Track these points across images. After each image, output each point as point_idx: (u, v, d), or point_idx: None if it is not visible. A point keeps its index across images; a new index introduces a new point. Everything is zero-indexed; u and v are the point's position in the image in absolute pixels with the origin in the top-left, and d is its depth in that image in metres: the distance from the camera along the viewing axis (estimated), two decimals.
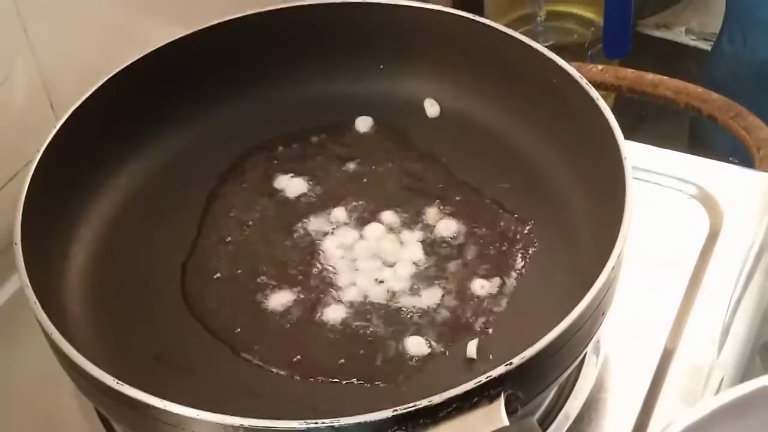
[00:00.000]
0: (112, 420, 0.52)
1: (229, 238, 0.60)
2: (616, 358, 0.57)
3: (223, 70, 0.66)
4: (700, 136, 1.00)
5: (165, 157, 0.65)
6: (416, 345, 0.53)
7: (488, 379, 0.43)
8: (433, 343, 0.53)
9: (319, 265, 0.58)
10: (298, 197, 0.62)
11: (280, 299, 0.56)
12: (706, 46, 1.09)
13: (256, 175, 0.64)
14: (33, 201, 0.54)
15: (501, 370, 0.43)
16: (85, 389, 0.49)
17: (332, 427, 0.42)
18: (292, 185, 0.63)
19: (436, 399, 0.43)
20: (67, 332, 0.48)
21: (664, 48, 1.09)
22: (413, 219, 0.60)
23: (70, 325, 0.53)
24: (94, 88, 0.61)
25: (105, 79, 0.61)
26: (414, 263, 0.57)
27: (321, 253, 0.59)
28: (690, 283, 0.60)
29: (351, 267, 0.57)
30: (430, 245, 0.58)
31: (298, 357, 0.53)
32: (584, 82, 0.58)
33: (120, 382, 0.45)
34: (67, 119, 0.59)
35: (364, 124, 0.67)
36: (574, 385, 0.56)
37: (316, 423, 0.42)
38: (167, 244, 0.60)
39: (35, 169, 0.55)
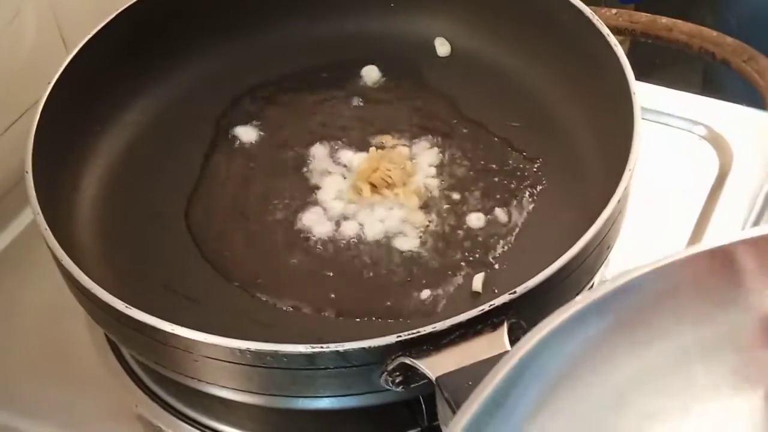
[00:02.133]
0: (123, 346, 0.53)
1: (235, 171, 0.60)
2: None
3: (234, 5, 0.66)
4: (714, 82, 0.99)
5: (174, 92, 0.65)
6: (422, 280, 0.54)
7: (491, 307, 0.44)
8: (441, 278, 0.54)
9: (327, 198, 0.58)
10: (307, 131, 0.62)
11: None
12: None
13: (263, 110, 0.64)
14: (44, 133, 0.55)
15: (505, 298, 0.44)
16: (95, 315, 0.50)
17: (337, 351, 0.43)
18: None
19: (440, 326, 0.43)
20: (77, 261, 0.49)
21: None
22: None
23: (80, 256, 0.54)
24: (104, 23, 0.61)
25: (116, 13, 0.61)
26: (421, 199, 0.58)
27: (329, 185, 0.59)
28: (698, 222, 0.60)
29: (361, 202, 0.58)
30: (439, 181, 0.58)
31: (305, 292, 0.54)
32: (595, 19, 0.57)
33: (130, 306, 0.45)
34: (78, 53, 0.59)
35: (371, 70, 0.66)
36: None
37: (321, 347, 0.43)
38: (175, 177, 0.60)
39: (46, 101, 0.56)
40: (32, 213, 0.58)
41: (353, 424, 0.53)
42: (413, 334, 0.43)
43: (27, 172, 0.52)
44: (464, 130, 0.61)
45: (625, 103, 0.53)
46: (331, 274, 0.55)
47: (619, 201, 0.48)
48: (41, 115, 0.55)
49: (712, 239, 0.34)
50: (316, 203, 0.58)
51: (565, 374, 0.32)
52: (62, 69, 0.57)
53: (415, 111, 0.63)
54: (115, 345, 0.56)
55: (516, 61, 0.64)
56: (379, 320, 0.52)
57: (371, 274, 0.54)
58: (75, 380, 0.55)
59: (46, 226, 0.49)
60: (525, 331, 0.44)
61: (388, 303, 0.53)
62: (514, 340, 0.43)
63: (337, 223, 0.57)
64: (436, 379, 0.41)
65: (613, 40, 0.55)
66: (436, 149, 0.60)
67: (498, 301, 0.44)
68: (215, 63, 0.66)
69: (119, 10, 0.61)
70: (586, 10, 0.58)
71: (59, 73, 0.57)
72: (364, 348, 0.43)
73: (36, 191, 0.51)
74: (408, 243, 0.56)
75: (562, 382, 0.32)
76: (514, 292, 0.44)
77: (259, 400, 0.48)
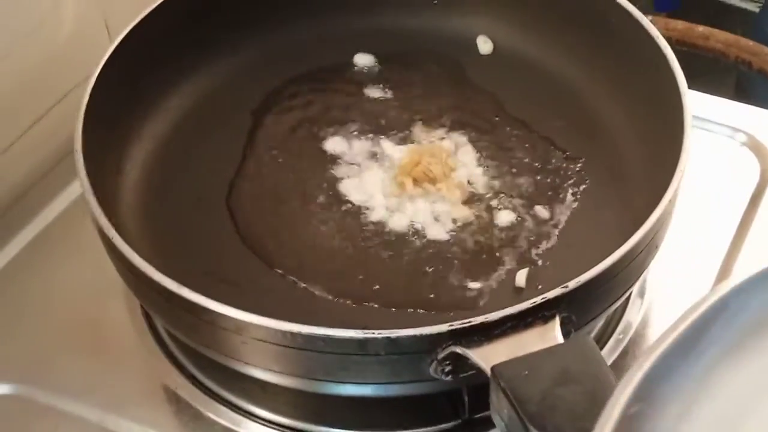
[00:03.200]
0: (169, 326, 0.53)
1: (275, 160, 0.60)
2: (661, 303, 0.57)
3: None
4: (746, 91, 0.99)
5: (215, 80, 0.65)
6: (464, 274, 0.54)
7: (544, 300, 0.44)
8: (483, 273, 0.54)
9: (369, 190, 0.58)
10: (349, 122, 0.62)
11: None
12: (754, 7, 1.08)
13: (303, 99, 0.64)
14: (91, 114, 0.55)
15: (557, 292, 0.44)
16: (143, 295, 0.50)
17: (389, 338, 0.43)
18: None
19: (492, 316, 0.43)
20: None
21: (711, 6, 1.08)
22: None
23: (125, 237, 0.54)
24: (148, 10, 0.61)
25: (160, 1, 0.61)
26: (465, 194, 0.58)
27: (370, 177, 0.59)
28: (738, 229, 0.60)
29: (404, 195, 0.58)
30: (481, 177, 0.59)
31: (348, 281, 0.54)
32: (645, 22, 0.57)
33: (182, 285, 0.45)
34: (124, 38, 0.59)
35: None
36: (616, 327, 0.56)
37: (373, 333, 0.43)
38: (215, 163, 0.60)
39: (93, 85, 0.56)
40: (75, 193, 0.58)
41: (392, 415, 0.53)
42: (465, 323, 0.43)
43: (77, 151, 0.52)
44: (507, 128, 0.61)
45: (675, 107, 0.53)
46: (374, 265, 0.55)
47: (669, 201, 0.48)
48: (89, 97, 0.55)
49: None
50: (357, 195, 0.58)
51: (754, 330, 0.31)
52: (108, 54, 0.57)
53: (458, 107, 0.63)
54: (153, 326, 0.57)
55: (559, 61, 0.64)
56: (423, 312, 0.52)
57: (414, 266, 0.55)
58: (112, 360, 0.56)
59: (97, 204, 0.49)
60: (576, 326, 0.45)
61: (432, 295, 0.53)
62: (565, 333, 0.43)
63: (379, 215, 0.57)
64: (492, 368, 0.41)
65: (664, 43, 0.55)
66: (479, 144, 0.60)
67: (550, 294, 0.44)
68: (256, 51, 0.66)
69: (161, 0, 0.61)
70: (636, 12, 0.58)
71: (105, 58, 0.57)
72: (415, 335, 0.43)
73: (86, 169, 0.51)
74: (450, 237, 0.56)
75: (747, 340, 0.31)
76: (566, 286, 0.44)
77: (304, 385, 0.48)
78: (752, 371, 0.31)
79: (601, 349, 0.55)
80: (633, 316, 0.57)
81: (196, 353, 0.52)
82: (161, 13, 0.61)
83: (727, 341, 0.31)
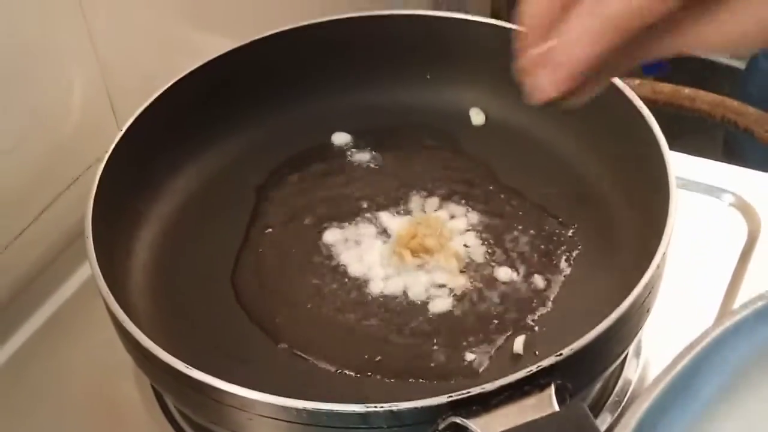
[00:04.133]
0: (178, 404, 0.55)
1: (277, 238, 0.62)
2: (657, 360, 0.59)
3: (273, 79, 0.69)
4: (734, 150, 1.01)
5: (219, 161, 0.68)
6: (463, 342, 0.55)
7: (539, 368, 0.45)
8: (481, 340, 0.55)
9: (369, 262, 0.60)
10: (348, 197, 0.65)
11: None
12: (740, 64, 1.11)
13: (306, 175, 0.67)
14: (100, 199, 0.57)
15: (551, 360, 0.45)
16: (153, 375, 0.52)
17: (391, 411, 0.44)
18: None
19: (489, 386, 0.45)
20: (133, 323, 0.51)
21: (699, 65, 1.11)
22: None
23: (135, 318, 0.56)
24: (154, 96, 0.63)
25: (165, 87, 0.64)
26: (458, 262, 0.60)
27: (370, 250, 0.61)
28: (728, 289, 0.62)
29: (403, 266, 0.60)
30: (477, 246, 0.61)
31: (350, 353, 0.55)
32: (626, 90, 0.60)
33: (189, 366, 0.47)
34: (131, 125, 0.61)
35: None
36: (614, 387, 0.58)
37: (375, 407, 0.44)
38: (220, 243, 0.62)
39: (102, 172, 0.58)
40: (84, 276, 0.60)
41: None
42: (464, 394, 0.44)
43: (87, 237, 0.54)
44: (501, 196, 0.64)
45: (659, 170, 0.55)
46: (375, 335, 0.56)
47: (658, 266, 0.50)
48: (98, 183, 0.57)
49: None
50: (358, 268, 0.60)
51: (745, 371, 0.33)
52: (117, 140, 0.60)
53: (453, 178, 0.65)
54: (164, 403, 0.58)
55: (548, 130, 0.66)
56: (424, 381, 0.54)
57: (414, 336, 0.56)
58: None
59: (108, 290, 0.51)
60: (571, 393, 0.46)
61: (432, 364, 0.54)
62: (560, 401, 0.45)
63: (379, 287, 0.59)
64: None
65: (645, 111, 0.58)
66: (475, 214, 0.63)
67: (545, 363, 0.45)
68: (259, 132, 0.69)
69: (167, 86, 0.64)
70: (618, 81, 0.60)
71: (114, 144, 0.60)
72: (416, 408, 0.44)
73: (96, 254, 0.53)
74: (449, 306, 0.57)
75: (740, 380, 0.33)
76: (560, 354, 0.46)
77: None
78: (747, 411, 0.32)
79: (601, 409, 0.57)
80: (630, 374, 0.58)
81: (204, 429, 0.54)
82: (167, 99, 0.64)
83: (719, 382, 0.32)
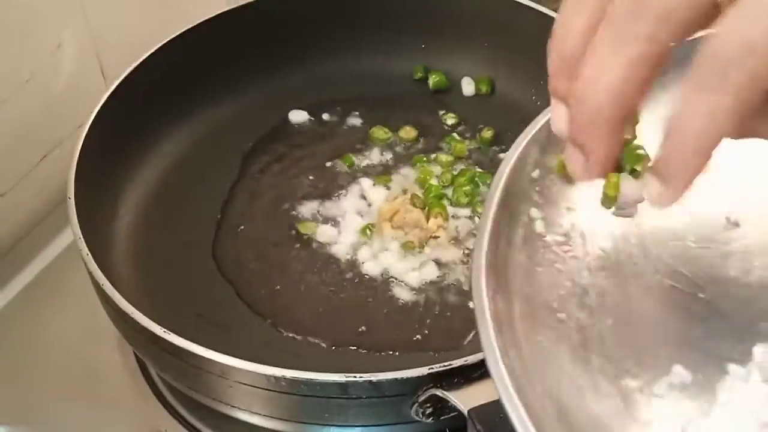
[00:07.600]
0: (157, 370, 0.54)
1: (260, 205, 0.62)
2: None
3: (267, 43, 0.68)
4: None
5: (205, 126, 0.67)
6: (448, 314, 0.55)
7: None
8: (464, 311, 0.55)
9: (353, 234, 0.59)
10: (333, 167, 0.64)
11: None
12: None
13: (294, 140, 0.66)
14: (85, 161, 0.56)
15: None
16: (132, 339, 0.51)
17: (370, 381, 0.44)
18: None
19: (471, 359, 0.44)
20: (115, 286, 0.50)
21: None
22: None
23: (117, 282, 0.55)
24: (143, 57, 0.62)
25: (153, 49, 0.63)
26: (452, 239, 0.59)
27: (353, 221, 0.60)
28: None
29: (387, 239, 0.59)
30: (467, 219, 0.60)
31: (333, 325, 0.55)
32: None
33: (167, 331, 0.46)
34: (118, 86, 0.61)
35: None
36: None
37: (354, 377, 0.44)
38: (204, 209, 0.62)
39: (87, 132, 0.57)
40: (70, 238, 0.59)
41: None
42: (445, 366, 0.44)
43: (69, 198, 0.53)
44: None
45: None
46: (359, 308, 0.56)
47: None
48: (83, 144, 0.56)
49: None
50: (342, 239, 0.59)
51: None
52: (102, 102, 0.59)
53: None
54: (145, 369, 0.58)
55: (544, 104, 0.65)
56: (408, 354, 0.53)
57: (398, 308, 0.56)
58: (105, 403, 0.56)
59: (88, 252, 0.50)
60: None
61: (417, 337, 0.54)
62: None
63: (364, 259, 0.58)
64: (468, 411, 0.42)
65: None
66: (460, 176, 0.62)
67: None
68: (247, 97, 0.68)
69: (154, 48, 0.63)
70: None
71: (99, 106, 0.59)
72: (396, 379, 0.44)
73: (78, 217, 0.52)
74: (434, 278, 0.57)
75: None
76: None
77: (290, 428, 0.49)
78: None
79: None
80: None
81: (186, 396, 0.53)
82: (156, 61, 0.63)
83: None
